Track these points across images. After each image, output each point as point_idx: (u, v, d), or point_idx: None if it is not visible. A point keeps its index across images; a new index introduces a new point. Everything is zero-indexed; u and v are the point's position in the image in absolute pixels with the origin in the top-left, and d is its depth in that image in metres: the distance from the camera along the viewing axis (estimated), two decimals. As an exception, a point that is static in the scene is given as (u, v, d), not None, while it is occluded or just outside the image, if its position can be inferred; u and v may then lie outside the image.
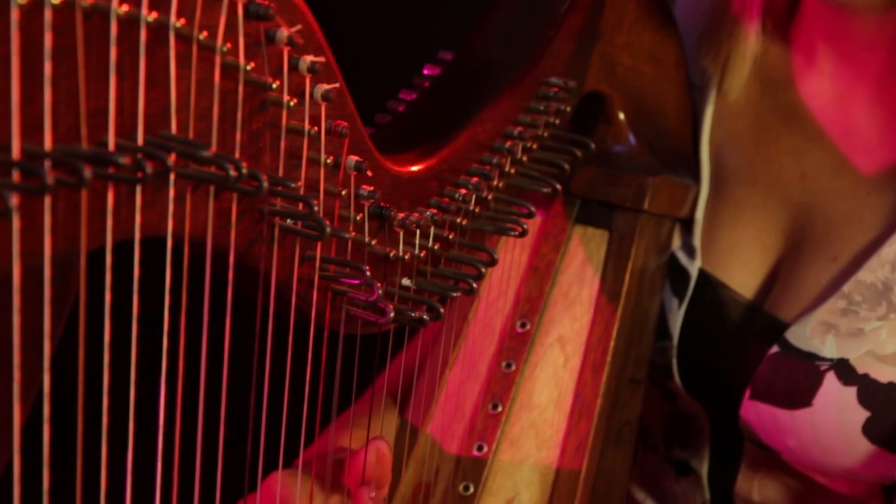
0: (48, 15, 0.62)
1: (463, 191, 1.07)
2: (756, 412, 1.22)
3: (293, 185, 0.85)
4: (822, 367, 1.18)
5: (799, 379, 1.19)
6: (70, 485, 0.69)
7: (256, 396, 0.90)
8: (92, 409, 0.69)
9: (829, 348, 1.18)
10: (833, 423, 1.18)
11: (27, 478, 0.64)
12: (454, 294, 1.05)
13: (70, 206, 0.67)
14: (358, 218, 0.95)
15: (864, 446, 1.19)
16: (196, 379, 0.79)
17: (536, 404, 1.21)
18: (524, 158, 1.16)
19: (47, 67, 0.63)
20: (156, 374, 0.75)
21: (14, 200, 0.61)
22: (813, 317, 1.20)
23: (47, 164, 0.64)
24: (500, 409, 1.21)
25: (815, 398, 1.18)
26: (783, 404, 1.20)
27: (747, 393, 1.22)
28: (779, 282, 1.25)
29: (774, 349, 1.21)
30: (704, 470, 1.35)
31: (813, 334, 1.19)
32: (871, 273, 1.19)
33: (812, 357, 1.19)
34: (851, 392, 1.18)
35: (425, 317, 1.01)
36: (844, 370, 1.18)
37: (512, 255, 1.27)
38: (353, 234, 0.95)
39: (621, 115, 1.28)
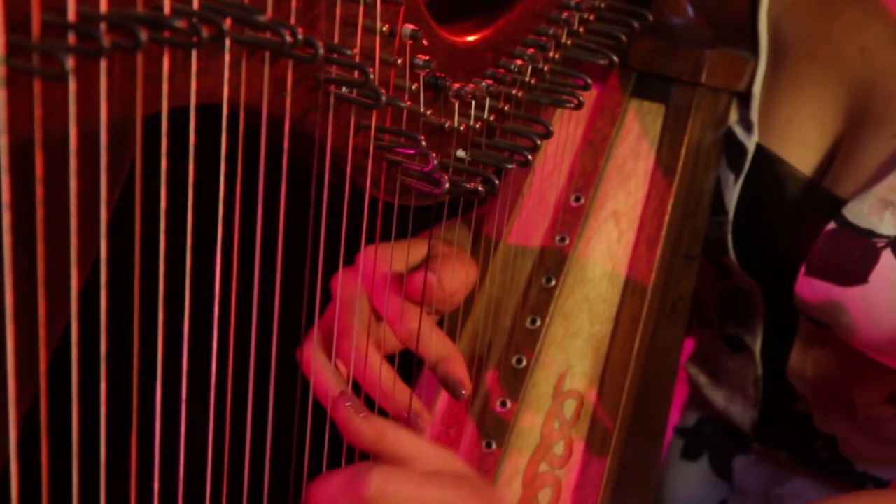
0: None
1: (519, 62, 1.06)
2: (811, 288, 1.21)
3: (349, 52, 0.85)
4: (879, 245, 1.17)
5: (855, 255, 1.18)
6: (128, 350, 0.70)
7: (311, 264, 0.90)
8: (148, 274, 0.69)
9: (886, 225, 1.17)
10: (888, 300, 1.17)
11: (84, 342, 0.64)
12: (509, 166, 1.05)
13: (126, 70, 0.67)
14: (413, 87, 0.94)
15: (918, 324, 1.18)
16: (251, 246, 0.79)
17: (590, 278, 1.21)
18: (581, 30, 1.15)
19: (103, -72, 0.62)
20: (212, 241, 0.76)
21: (70, 63, 0.60)
22: (871, 193, 1.18)
23: (103, 26, 0.63)
24: (553, 282, 1.21)
25: (871, 275, 1.18)
26: (838, 281, 1.19)
27: (803, 269, 1.21)
28: (838, 158, 1.24)
29: (831, 225, 1.20)
30: (758, 346, 1.35)
31: (871, 211, 1.18)
32: None
33: (869, 234, 1.18)
34: None
35: (480, 188, 1.00)
36: None
37: (567, 129, 1.26)
38: (409, 103, 0.94)
39: (679, -14, 1.26)
